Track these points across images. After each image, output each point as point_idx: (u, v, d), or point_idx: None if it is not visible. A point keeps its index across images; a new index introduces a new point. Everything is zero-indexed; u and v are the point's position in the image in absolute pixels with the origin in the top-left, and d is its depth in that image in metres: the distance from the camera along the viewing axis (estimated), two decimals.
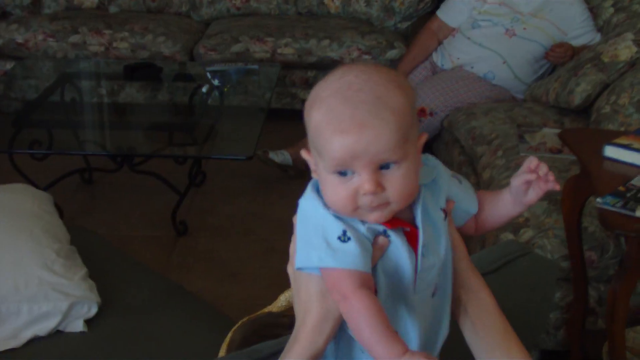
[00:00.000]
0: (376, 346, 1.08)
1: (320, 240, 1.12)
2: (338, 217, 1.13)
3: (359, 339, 1.11)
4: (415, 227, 1.16)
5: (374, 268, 1.14)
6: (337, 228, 1.12)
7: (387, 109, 1.08)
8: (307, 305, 1.17)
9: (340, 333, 1.19)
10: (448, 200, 1.22)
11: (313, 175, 1.18)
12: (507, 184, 1.26)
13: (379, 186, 1.09)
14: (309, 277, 1.17)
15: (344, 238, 1.11)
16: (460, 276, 1.23)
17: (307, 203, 1.17)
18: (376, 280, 1.14)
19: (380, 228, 1.13)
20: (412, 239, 1.15)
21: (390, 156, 1.09)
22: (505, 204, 1.26)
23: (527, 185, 1.22)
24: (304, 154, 1.20)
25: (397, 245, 1.14)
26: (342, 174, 1.11)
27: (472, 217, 1.28)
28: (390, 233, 1.14)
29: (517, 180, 1.23)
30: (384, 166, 1.10)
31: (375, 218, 1.12)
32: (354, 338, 1.17)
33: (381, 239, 1.14)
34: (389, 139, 1.08)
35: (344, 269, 1.10)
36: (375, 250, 1.13)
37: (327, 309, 1.15)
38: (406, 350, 1.05)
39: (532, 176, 1.21)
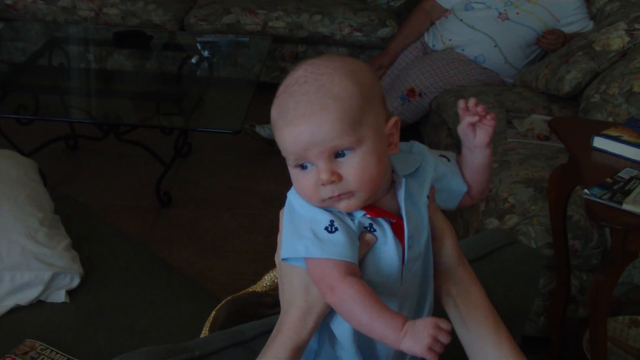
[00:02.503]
0: (375, 325, 1.07)
1: (307, 231, 1.12)
2: (326, 209, 1.13)
3: (356, 324, 1.11)
4: (401, 217, 1.16)
5: (361, 260, 1.14)
6: (324, 219, 1.12)
7: (329, 96, 1.09)
8: (291, 298, 1.17)
9: (323, 326, 1.20)
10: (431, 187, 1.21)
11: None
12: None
13: (335, 175, 1.10)
14: (293, 270, 1.17)
15: (331, 229, 1.11)
16: (451, 269, 1.23)
17: (293, 196, 1.16)
18: (363, 272, 1.14)
19: (366, 222, 1.13)
20: (398, 230, 1.15)
21: (340, 143, 1.09)
22: (469, 158, 1.24)
23: (472, 127, 1.20)
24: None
25: (384, 237, 1.14)
26: (303, 167, 1.12)
27: (462, 194, 1.28)
28: (377, 224, 1.14)
29: (460, 127, 1.21)
30: (339, 155, 1.10)
31: (344, 207, 1.12)
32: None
33: (368, 236, 1.14)
34: (333, 126, 1.08)
35: (330, 259, 1.10)
36: (362, 246, 1.13)
37: (310, 302, 1.15)
38: (406, 320, 1.05)
39: (472, 118, 1.19)
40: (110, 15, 4.79)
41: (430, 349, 1.02)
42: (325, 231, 1.11)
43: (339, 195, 1.11)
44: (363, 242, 1.13)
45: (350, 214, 1.13)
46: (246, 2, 4.82)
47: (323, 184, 1.10)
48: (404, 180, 1.16)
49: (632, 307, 2.70)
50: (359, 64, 1.16)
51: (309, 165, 1.11)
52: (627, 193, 2.10)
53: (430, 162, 1.22)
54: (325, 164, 1.10)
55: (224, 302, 1.57)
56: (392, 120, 1.16)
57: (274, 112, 1.12)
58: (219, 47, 4.32)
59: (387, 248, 1.15)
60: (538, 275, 1.80)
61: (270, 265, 1.62)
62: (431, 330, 1.02)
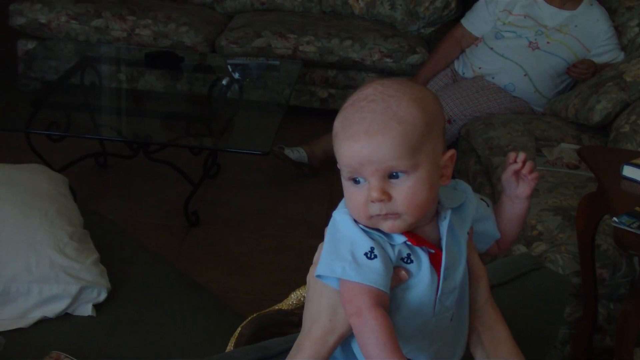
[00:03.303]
0: None
1: (347, 253, 1.13)
2: (368, 234, 1.14)
3: (365, 354, 1.12)
4: (440, 248, 1.17)
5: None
6: (365, 244, 1.13)
7: (395, 119, 1.11)
8: (316, 316, 1.18)
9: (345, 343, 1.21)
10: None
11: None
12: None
13: (385, 194, 1.11)
14: (324, 289, 1.18)
15: (370, 255, 1.12)
16: (480, 309, 1.25)
17: (339, 216, 1.18)
18: (398, 299, 1.16)
19: (405, 251, 1.15)
20: (435, 261, 1.17)
21: (396, 165, 1.11)
22: (507, 207, 1.28)
23: (516, 177, 1.25)
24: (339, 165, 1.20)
25: (419, 266, 1.16)
26: (356, 181, 1.14)
27: (494, 240, 1.31)
28: (415, 255, 1.15)
29: (505, 175, 1.25)
30: (393, 176, 1.12)
31: (388, 227, 1.14)
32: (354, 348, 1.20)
33: (402, 273, 1.15)
34: (394, 148, 1.10)
35: (364, 285, 1.11)
36: (393, 279, 1.14)
37: (334, 324, 1.17)
38: None
39: (516, 166, 1.23)
40: (143, 36, 4.84)
41: None
42: (365, 256, 1.12)
43: (386, 215, 1.13)
44: (395, 277, 1.14)
45: (391, 241, 1.15)
46: (277, 26, 4.85)
47: (373, 201, 1.12)
48: (449, 213, 1.18)
49: None
50: (427, 92, 1.18)
51: (361, 180, 1.13)
52: None
53: (473, 201, 1.24)
54: (378, 182, 1.12)
55: (249, 318, 1.58)
56: (449, 153, 1.18)
57: (338, 124, 1.15)
58: (249, 70, 4.35)
59: (421, 277, 1.16)
60: (565, 301, 1.79)
61: (295, 286, 1.62)
62: None
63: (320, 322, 1.17)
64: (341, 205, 1.20)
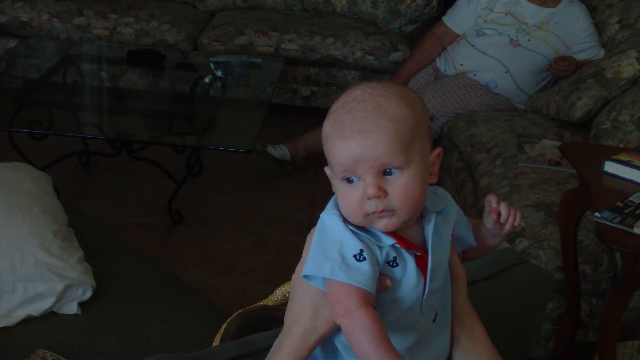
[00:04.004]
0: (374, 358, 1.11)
1: (336, 254, 1.15)
2: (357, 236, 1.16)
3: (359, 353, 1.13)
4: (425, 251, 1.19)
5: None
6: (355, 246, 1.15)
7: (386, 116, 1.14)
8: (298, 316, 1.19)
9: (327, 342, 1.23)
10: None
11: (334, 189, 1.21)
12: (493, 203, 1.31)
13: (381, 190, 1.13)
14: (307, 289, 1.19)
15: (359, 257, 1.14)
16: (460, 309, 1.27)
17: (328, 217, 1.19)
18: (385, 302, 1.18)
19: (391, 255, 1.17)
20: (421, 263, 1.19)
21: (390, 161, 1.13)
22: (484, 238, 1.34)
23: (497, 220, 1.30)
24: (326, 170, 1.23)
25: (405, 269, 1.18)
26: (350, 180, 1.16)
27: (466, 248, 1.35)
28: (401, 258, 1.17)
29: (489, 223, 1.30)
30: (387, 172, 1.14)
31: (383, 225, 1.15)
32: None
33: (387, 281, 1.17)
34: (387, 144, 1.13)
35: (353, 285, 1.13)
36: (378, 287, 1.16)
37: (315, 324, 1.18)
38: None
39: (501, 216, 1.30)
40: (125, 34, 4.83)
41: None
42: (354, 258, 1.14)
43: (382, 212, 1.14)
44: (380, 284, 1.16)
45: (379, 243, 1.16)
46: (259, 24, 4.85)
47: (369, 198, 1.14)
48: (434, 216, 1.21)
49: None
50: (413, 93, 1.21)
51: (355, 179, 1.15)
52: (638, 217, 2.11)
53: (454, 206, 1.27)
54: (374, 179, 1.14)
55: (235, 315, 1.58)
56: (436, 151, 1.21)
57: (328, 126, 1.17)
58: (232, 68, 4.36)
59: (407, 280, 1.18)
60: (547, 294, 1.81)
61: (279, 283, 1.63)
62: None
63: (302, 321, 1.18)
64: (329, 206, 1.21)
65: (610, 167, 2.38)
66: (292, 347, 1.18)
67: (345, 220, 1.17)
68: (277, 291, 1.63)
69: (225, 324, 1.56)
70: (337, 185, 1.18)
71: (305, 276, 1.18)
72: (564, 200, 2.55)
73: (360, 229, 1.16)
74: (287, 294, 1.63)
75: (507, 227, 1.30)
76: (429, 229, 1.20)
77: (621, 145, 3.05)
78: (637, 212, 2.13)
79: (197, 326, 2.09)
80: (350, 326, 1.13)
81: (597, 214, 2.13)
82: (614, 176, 2.37)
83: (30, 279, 2.07)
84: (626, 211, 2.14)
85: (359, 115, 1.14)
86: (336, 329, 1.19)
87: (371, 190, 1.13)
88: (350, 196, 1.16)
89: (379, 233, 1.17)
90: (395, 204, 1.14)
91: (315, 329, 1.18)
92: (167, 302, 2.21)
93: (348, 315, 1.13)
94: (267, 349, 1.36)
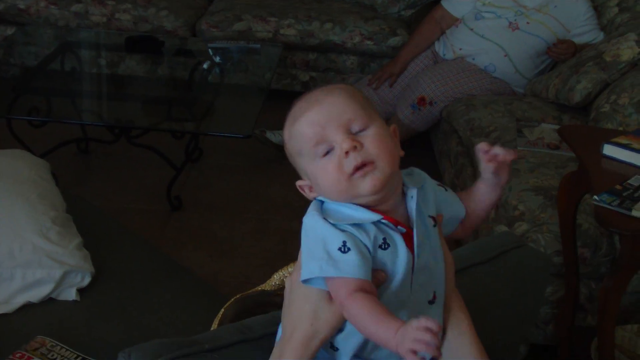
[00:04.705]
0: (379, 332, 1.12)
1: (321, 251, 1.17)
2: (338, 229, 1.17)
3: (367, 334, 1.16)
4: (410, 227, 1.21)
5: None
6: (337, 239, 1.16)
7: (338, 88, 1.21)
8: (297, 322, 1.21)
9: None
10: (438, 214, 1.27)
11: (310, 197, 1.26)
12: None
13: (355, 141, 1.17)
14: (305, 294, 1.21)
15: (344, 249, 1.16)
16: (448, 297, 1.28)
17: (309, 219, 1.22)
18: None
19: (380, 237, 1.18)
20: (407, 240, 1.20)
21: (353, 117, 1.19)
22: (483, 193, 1.32)
23: (495, 166, 1.27)
24: (299, 183, 1.28)
25: (396, 248, 1.19)
26: (326, 153, 1.18)
27: (460, 221, 1.34)
28: (390, 239, 1.19)
29: (487, 171, 1.28)
30: (356, 132, 1.18)
31: (371, 183, 1.17)
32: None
33: (380, 275, 1.18)
34: (346, 103, 1.19)
35: (343, 278, 1.15)
36: (374, 281, 1.18)
37: (316, 328, 1.20)
38: (402, 323, 1.09)
39: (495, 163, 1.26)
40: (123, 20, 4.81)
41: (412, 350, 1.05)
42: (339, 251, 1.16)
43: (363, 166, 1.16)
44: (374, 279, 1.18)
45: (364, 228, 1.17)
46: (257, 10, 4.84)
47: (347, 152, 1.16)
48: (416, 192, 1.23)
49: None
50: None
51: (330, 150, 1.18)
52: (636, 200, 2.11)
53: (432, 184, 1.29)
54: (345, 134, 1.17)
55: (232, 299, 1.59)
56: (392, 127, 1.26)
57: (289, 118, 1.24)
58: (230, 54, 4.35)
59: (400, 259, 1.19)
60: (546, 278, 1.81)
61: (280, 267, 1.63)
62: (412, 333, 1.06)
63: (302, 328, 1.20)
64: (309, 209, 1.23)
65: (609, 150, 2.38)
66: (295, 354, 1.19)
67: (325, 218, 1.19)
68: (275, 276, 1.64)
69: (223, 309, 1.56)
70: (315, 168, 1.20)
71: (305, 281, 1.19)
72: (563, 184, 2.55)
73: (343, 221, 1.18)
74: (284, 279, 1.64)
75: (507, 166, 1.28)
76: (412, 203, 1.22)
77: (620, 128, 3.04)
78: (636, 195, 2.13)
79: (196, 311, 2.10)
80: (348, 316, 1.16)
81: (595, 197, 2.12)
82: (613, 159, 2.37)
83: (28, 265, 2.07)
84: (625, 194, 2.13)
85: (314, 98, 1.21)
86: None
87: (346, 144, 1.17)
88: (329, 167, 1.18)
89: (364, 215, 1.18)
90: (372, 153, 1.17)
91: (316, 333, 1.19)
92: (167, 288, 2.21)
93: (343, 307, 1.16)
94: (265, 335, 1.36)
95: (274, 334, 1.32)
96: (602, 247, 2.61)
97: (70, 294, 2.10)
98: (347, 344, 1.23)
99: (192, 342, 1.31)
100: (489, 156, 1.25)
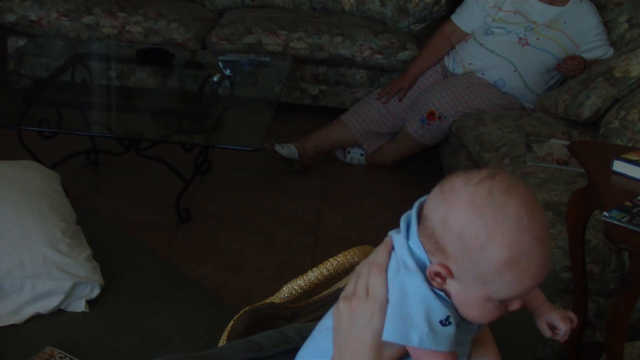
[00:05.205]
0: None
1: (423, 321, 1.11)
2: (442, 300, 1.13)
3: None
4: None
5: None
6: (441, 312, 1.12)
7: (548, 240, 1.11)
8: (358, 355, 1.16)
9: None
10: None
11: (436, 284, 1.13)
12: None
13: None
14: (368, 326, 1.16)
15: (445, 322, 1.11)
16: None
17: (410, 278, 1.14)
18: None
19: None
20: None
21: None
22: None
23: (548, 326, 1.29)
24: (441, 270, 1.12)
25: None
26: (502, 301, 1.12)
27: None
28: None
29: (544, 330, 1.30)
30: None
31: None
32: None
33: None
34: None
35: (440, 352, 1.12)
36: None
37: None
38: None
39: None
40: (133, 33, 4.84)
41: None
42: (440, 324, 1.11)
43: None
44: None
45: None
46: (267, 23, 4.86)
47: (511, 310, 1.13)
48: None
49: None
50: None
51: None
52: None
53: None
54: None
55: (242, 312, 1.59)
56: None
57: (509, 254, 1.07)
58: (240, 66, 4.36)
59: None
60: (553, 294, 1.81)
61: (287, 281, 1.63)
62: None
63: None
64: (410, 266, 1.14)
65: (618, 166, 2.38)
66: None
67: (429, 282, 1.13)
68: (284, 288, 1.64)
69: (232, 321, 1.56)
70: (478, 300, 1.12)
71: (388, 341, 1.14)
72: (572, 200, 2.54)
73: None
74: (294, 292, 1.64)
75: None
76: None
77: (630, 144, 3.04)
78: None
79: (205, 324, 2.10)
80: None
81: (605, 213, 2.12)
82: (622, 175, 2.36)
83: (38, 276, 2.07)
84: (634, 210, 2.13)
85: (547, 248, 1.10)
86: None
87: (520, 305, 1.13)
88: (498, 312, 1.13)
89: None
90: None
91: None
92: (176, 300, 2.21)
93: None
94: (277, 355, 1.36)
95: (286, 352, 1.32)
96: (611, 264, 2.61)
97: (80, 306, 2.10)
98: None
99: (203, 358, 1.30)
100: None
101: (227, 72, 4.27)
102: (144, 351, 1.97)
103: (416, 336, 1.10)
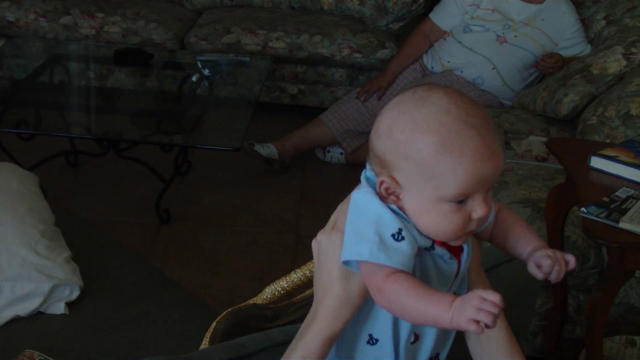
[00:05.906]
0: (427, 309, 1.06)
1: (373, 234, 1.09)
2: (396, 214, 1.10)
3: (410, 317, 1.10)
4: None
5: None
6: (393, 225, 1.09)
7: (498, 134, 1.09)
8: (328, 287, 1.15)
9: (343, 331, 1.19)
10: None
11: (391, 201, 1.12)
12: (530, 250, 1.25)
13: (489, 209, 1.10)
14: (333, 258, 1.15)
15: (398, 237, 1.09)
16: (471, 286, 1.22)
17: (362, 196, 1.13)
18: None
19: (428, 243, 1.13)
20: (455, 249, 1.16)
21: (497, 178, 1.10)
22: (518, 252, 1.25)
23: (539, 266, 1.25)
24: (386, 179, 1.11)
25: (442, 257, 1.15)
26: (461, 202, 1.09)
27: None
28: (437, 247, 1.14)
29: (534, 269, 1.25)
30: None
31: (461, 242, 1.13)
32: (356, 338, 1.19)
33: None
34: (504, 161, 1.09)
35: (389, 267, 1.08)
36: None
37: (348, 293, 1.14)
38: (455, 297, 1.04)
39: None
40: (112, 33, 4.81)
41: (474, 320, 1.00)
42: (392, 238, 1.09)
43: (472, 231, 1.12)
44: None
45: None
46: (246, 22, 4.85)
47: (480, 218, 1.09)
48: None
49: (629, 328, 2.71)
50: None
51: (462, 200, 1.09)
52: (623, 212, 2.12)
53: None
54: (485, 198, 1.09)
55: (224, 313, 1.58)
56: None
57: (445, 139, 1.06)
58: (219, 66, 4.35)
59: (443, 264, 1.15)
60: (536, 292, 1.82)
61: (269, 282, 1.63)
62: (475, 302, 1.00)
63: (333, 293, 1.15)
64: (363, 184, 1.15)
65: (596, 162, 2.39)
66: (325, 321, 1.14)
67: (382, 198, 1.11)
68: (267, 289, 1.64)
69: (214, 323, 1.56)
70: (432, 206, 1.09)
71: (345, 262, 1.13)
72: (551, 196, 2.56)
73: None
74: (276, 292, 1.64)
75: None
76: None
77: (607, 140, 3.05)
78: (623, 207, 2.14)
79: (186, 325, 2.09)
80: (386, 301, 1.09)
81: (583, 209, 2.13)
82: (600, 171, 2.38)
83: (17, 279, 2.06)
84: (612, 206, 2.14)
85: (486, 134, 1.06)
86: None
87: (483, 211, 1.08)
88: (457, 217, 1.09)
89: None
90: (486, 220, 1.13)
91: (348, 300, 1.14)
92: (156, 301, 2.20)
93: (380, 292, 1.09)
94: (259, 352, 1.36)
95: (270, 348, 1.32)
96: (590, 259, 2.62)
97: (59, 308, 2.10)
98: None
99: None
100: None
101: (206, 72, 4.26)
102: (125, 353, 1.96)
103: (367, 249, 1.08)
